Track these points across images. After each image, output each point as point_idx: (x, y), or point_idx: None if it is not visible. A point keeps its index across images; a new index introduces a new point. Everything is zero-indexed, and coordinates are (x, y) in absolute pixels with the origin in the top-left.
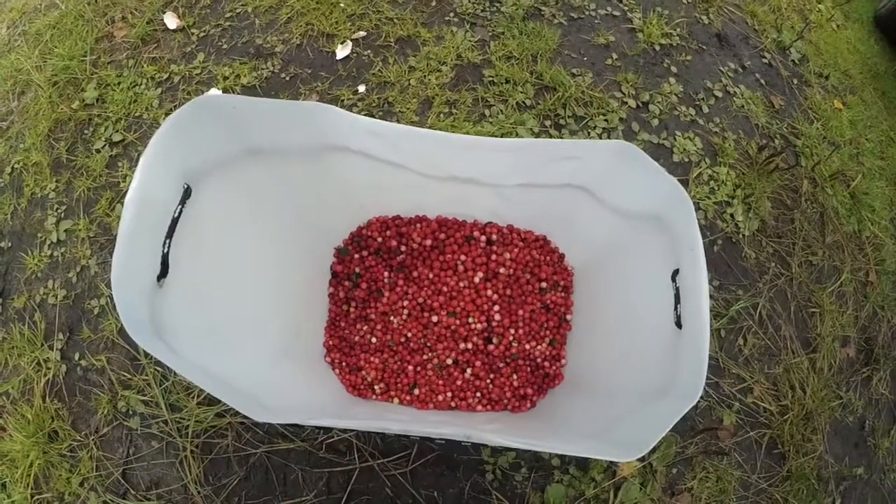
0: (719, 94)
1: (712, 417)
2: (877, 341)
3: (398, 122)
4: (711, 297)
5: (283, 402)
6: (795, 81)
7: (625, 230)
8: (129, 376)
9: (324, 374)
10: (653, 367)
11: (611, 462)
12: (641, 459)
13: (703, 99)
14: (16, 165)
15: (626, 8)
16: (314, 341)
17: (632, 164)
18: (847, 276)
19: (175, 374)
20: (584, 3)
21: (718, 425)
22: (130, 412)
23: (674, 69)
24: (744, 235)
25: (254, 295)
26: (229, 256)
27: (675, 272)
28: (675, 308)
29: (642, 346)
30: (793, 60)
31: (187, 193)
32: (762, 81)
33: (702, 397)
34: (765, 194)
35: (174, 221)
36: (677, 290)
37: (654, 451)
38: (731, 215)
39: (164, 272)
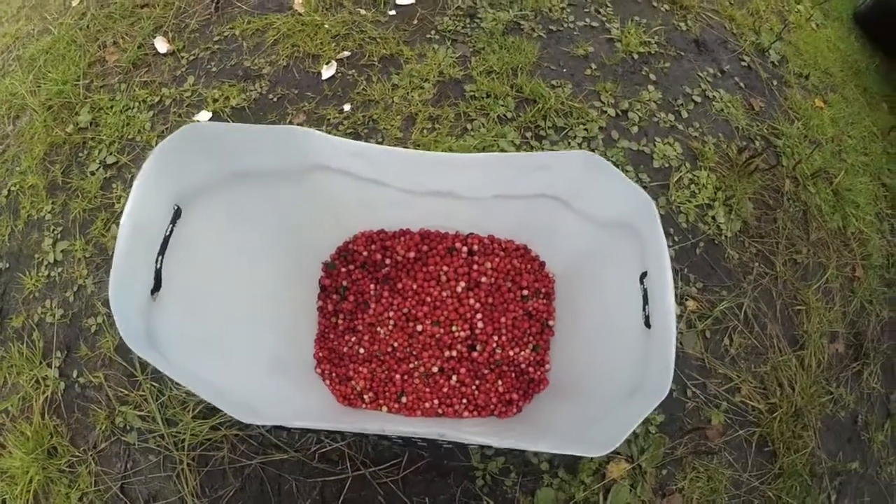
0: (698, 99)
1: (700, 418)
2: (866, 336)
3: (382, 139)
4: (695, 298)
5: (276, 412)
6: (775, 83)
7: (598, 237)
8: (126, 392)
9: (315, 384)
10: (627, 367)
11: (600, 464)
12: (630, 461)
13: (682, 104)
14: (12, 188)
15: (604, 18)
16: (305, 353)
17: (598, 173)
18: (833, 272)
19: (171, 388)
20: (562, 15)
21: (706, 425)
22: (128, 427)
23: (652, 76)
24: (726, 237)
25: (245, 308)
26: (220, 272)
27: (644, 275)
28: (644, 309)
29: (617, 347)
30: (772, 62)
31: (177, 214)
32: (741, 84)
33: (689, 398)
34: (746, 195)
35: (166, 240)
36: (645, 291)
37: (642, 452)
38: (713, 217)
39: (157, 286)
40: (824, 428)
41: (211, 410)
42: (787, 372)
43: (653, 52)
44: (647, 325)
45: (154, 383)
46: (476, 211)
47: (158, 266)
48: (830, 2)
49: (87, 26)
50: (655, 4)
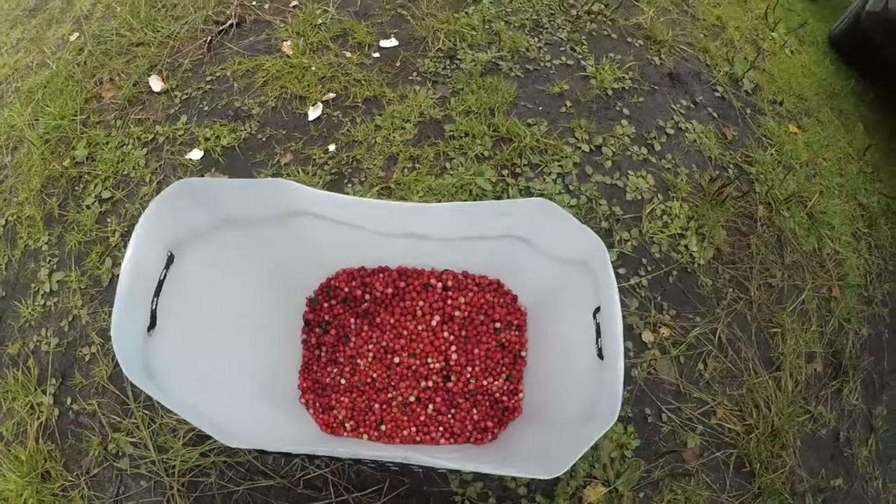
0: (671, 132)
1: (676, 441)
2: (844, 354)
3: (366, 178)
4: (668, 326)
5: (261, 438)
6: (748, 111)
7: (559, 273)
8: (118, 419)
9: (300, 413)
10: (582, 395)
11: (577, 488)
12: (607, 485)
13: (654, 137)
14: (9, 218)
15: (579, 56)
16: (290, 384)
17: (553, 218)
18: (809, 293)
19: (162, 416)
20: (539, 54)
21: (682, 448)
22: (120, 453)
23: (626, 111)
24: (699, 264)
25: (234, 342)
26: (210, 310)
27: (597, 309)
28: (597, 341)
29: (576, 376)
30: (745, 91)
31: (171, 260)
32: (714, 114)
33: (664, 422)
34: (719, 223)
35: (160, 283)
36: (598, 325)
37: (618, 475)
38: (686, 246)
39: (152, 324)
40: (804, 446)
41: (200, 438)
42: (763, 393)
43: (626, 88)
44: (600, 356)
45: (146, 411)
46: (449, 250)
47: (154, 307)
48: (805, 27)
49: (85, 62)
50: (630, 40)
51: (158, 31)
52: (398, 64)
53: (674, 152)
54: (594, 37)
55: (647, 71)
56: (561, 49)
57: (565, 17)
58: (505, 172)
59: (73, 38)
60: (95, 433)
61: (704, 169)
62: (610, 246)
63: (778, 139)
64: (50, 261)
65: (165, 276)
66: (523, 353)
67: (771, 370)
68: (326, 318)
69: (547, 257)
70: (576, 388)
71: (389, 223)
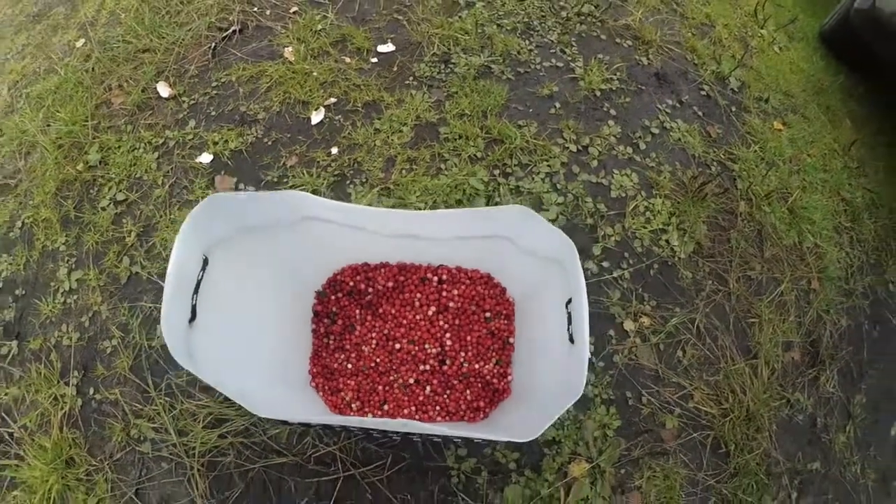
0: (656, 131)
1: (655, 422)
2: (822, 343)
3: (366, 179)
4: (649, 315)
5: (280, 412)
6: (734, 109)
7: (540, 269)
8: (140, 406)
9: (311, 395)
10: (557, 374)
11: (562, 464)
12: (590, 461)
13: (640, 137)
14: (26, 220)
15: (569, 58)
16: (302, 369)
17: (531, 222)
18: (788, 285)
19: (182, 403)
20: (529, 57)
21: (660, 428)
22: (142, 438)
23: (613, 112)
24: (679, 258)
25: (255, 331)
26: (237, 304)
27: (569, 301)
28: (569, 328)
29: (555, 358)
30: (731, 89)
31: (206, 263)
32: (700, 113)
33: (644, 405)
34: (700, 219)
35: (198, 283)
36: (569, 314)
37: (601, 453)
38: (667, 241)
39: (192, 317)
40: (781, 431)
41: (218, 421)
42: (739, 379)
43: (614, 89)
44: (571, 340)
45: (167, 398)
46: (443, 248)
47: (194, 302)
48: (796, 23)
49: (93, 69)
50: (618, 41)
51: (164, 38)
52: (395, 69)
53: (658, 151)
54: (583, 38)
55: (634, 71)
56: (551, 51)
57: (555, 20)
58: (496, 172)
59: (79, 44)
60: (118, 420)
61: (688, 166)
62: (594, 241)
63: (762, 136)
64: (68, 260)
65: (202, 276)
66: (511, 340)
67: (748, 358)
68: (334, 309)
69: (529, 255)
70: (553, 369)
71: (389, 226)
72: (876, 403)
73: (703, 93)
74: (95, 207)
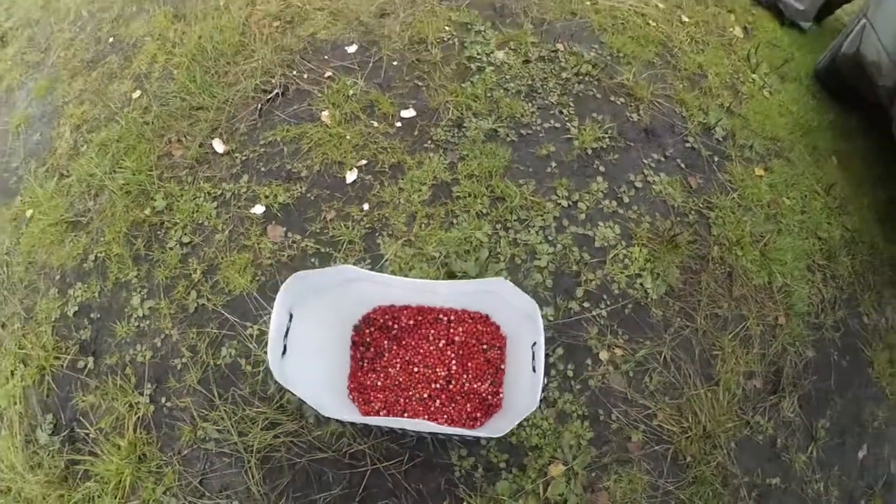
0: (640, 185)
1: (622, 435)
2: (784, 374)
3: (392, 232)
4: (621, 347)
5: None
6: (716, 158)
7: (519, 316)
8: (206, 412)
9: (349, 406)
10: (525, 393)
11: (543, 466)
12: (566, 465)
13: (624, 191)
14: (98, 254)
15: (566, 118)
16: (343, 385)
17: (507, 289)
18: (753, 321)
19: (243, 409)
20: (532, 119)
21: (627, 441)
22: (207, 438)
23: (602, 168)
24: (652, 299)
25: (316, 357)
26: (307, 341)
27: (534, 343)
28: (532, 362)
29: (524, 381)
30: (717, 139)
31: (291, 317)
32: (682, 165)
33: (613, 420)
34: (673, 264)
35: (287, 330)
36: (533, 352)
37: (574, 458)
38: (641, 284)
39: (284, 352)
40: (739, 449)
41: (273, 424)
42: (700, 403)
43: (605, 147)
44: (534, 370)
45: (231, 406)
46: (451, 297)
47: (285, 343)
48: (790, 63)
49: (152, 122)
50: (612, 98)
51: (215, 97)
52: (416, 132)
53: (640, 203)
54: (580, 98)
55: (624, 128)
56: (550, 112)
57: (556, 81)
58: (498, 226)
59: (135, 95)
60: (187, 423)
61: (666, 216)
62: (577, 284)
63: (741, 183)
64: (141, 290)
65: (289, 327)
66: (502, 366)
67: (710, 384)
68: (367, 340)
69: (511, 306)
70: (525, 389)
71: (410, 285)
72: (843, 428)
73: (688, 145)
74: (164, 247)
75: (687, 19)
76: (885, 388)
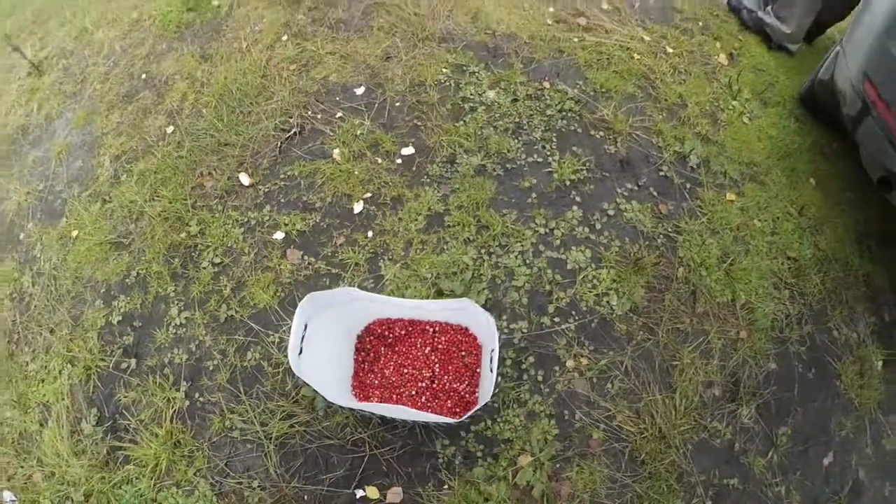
0: (612, 213)
1: (585, 433)
2: (742, 384)
3: (391, 257)
4: (586, 357)
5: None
6: (689, 185)
7: (487, 329)
8: (234, 406)
9: (353, 399)
10: (485, 389)
11: (513, 456)
12: (533, 456)
13: (597, 219)
14: (140, 271)
15: (547, 153)
16: (347, 383)
17: (472, 308)
18: (714, 335)
19: (265, 403)
20: (517, 154)
21: (588, 438)
22: (233, 427)
23: (578, 198)
24: (617, 315)
25: (326, 359)
26: (319, 345)
27: (492, 350)
28: (490, 365)
29: (487, 381)
30: (690, 167)
31: (306, 327)
32: (655, 193)
33: (577, 420)
34: (638, 284)
35: (303, 337)
36: (491, 357)
37: (541, 450)
38: (608, 301)
39: (300, 352)
40: (695, 450)
41: (289, 416)
42: (656, 407)
43: (581, 178)
44: (490, 371)
45: (255, 401)
46: (436, 311)
47: (301, 345)
48: (775, 87)
49: (186, 156)
50: (592, 132)
51: (240, 135)
52: (414, 168)
53: (611, 230)
54: (563, 133)
55: (602, 160)
56: (534, 147)
57: (541, 117)
58: (483, 251)
59: (168, 130)
60: (216, 415)
61: (635, 241)
62: (549, 302)
63: (711, 208)
64: (178, 303)
65: (304, 334)
66: (478, 370)
67: (668, 392)
68: (368, 346)
69: (481, 320)
70: (485, 386)
71: (403, 303)
72: (807, 436)
73: (662, 173)
74: (198, 266)
75: (671, 50)
76: (853, 400)
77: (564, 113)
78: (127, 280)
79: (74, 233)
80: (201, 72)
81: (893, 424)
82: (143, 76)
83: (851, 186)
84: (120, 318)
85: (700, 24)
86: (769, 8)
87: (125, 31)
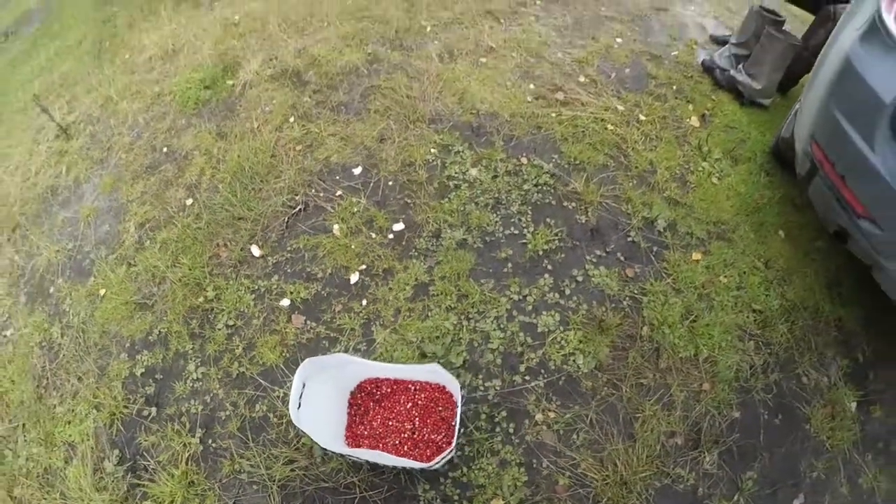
0: (581, 279)
1: (551, 480)
2: (704, 432)
3: (382, 323)
4: (553, 411)
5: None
6: (655, 249)
7: (455, 386)
8: (242, 451)
9: (345, 447)
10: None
11: (486, 499)
12: (504, 500)
13: (567, 285)
14: (162, 330)
15: (523, 226)
16: (342, 433)
17: (440, 370)
18: (677, 388)
19: (270, 449)
20: (495, 228)
21: (555, 484)
22: (241, 470)
23: (549, 267)
24: (583, 373)
25: (323, 412)
26: (316, 401)
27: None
28: (455, 418)
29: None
30: (658, 230)
31: (304, 385)
32: (622, 258)
33: (544, 468)
34: (603, 343)
35: (301, 394)
36: (456, 412)
37: (512, 493)
38: (574, 360)
39: (299, 406)
40: (658, 495)
41: (291, 461)
42: (619, 456)
43: (553, 248)
44: (453, 425)
45: (261, 447)
46: (415, 373)
47: (300, 401)
48: (747, 142)
49: (204, 227)
50: (565, 204)
51: (252, 210)
52: (404, 242)
53: (579, 294)
54: (538, 206)
55: (573, 229)
56: (511, 220)
57: (518, 192)
58: (462, 317)
59: (188, 202)
60: (227, 459)
61: (602, 304)
62: (521, 362)
63: (676, 269)
64: (195, 359)
65: (303, 392)
66: (453, 423)
67: (630, 442)
68: (359, 402)
69: (453, 381)
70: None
71: (388, 367)
72: (774, 480)
73: (630, 239)
74: (213, 327)
75: (644, 118)
76: (825, 442)
77: (540, 186)
78: (150, 337)
79: (102, 291)
80: (217, 149)
81: (870, 463)
82: (165, 149)
83: (821, 235)
84: (143, 370)
85: (674, 87)
86: (741, 66)
87: (148, 104)
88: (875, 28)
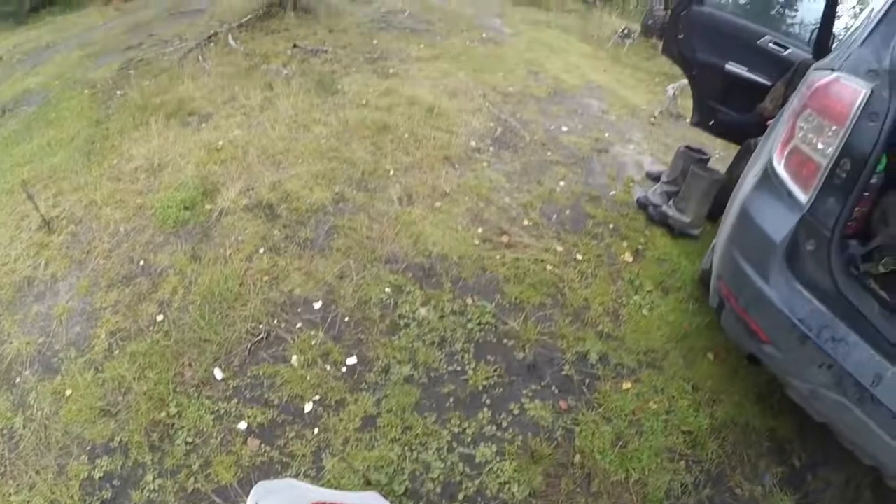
0: (517, 412)
1: None
2: None
3: (332, 451)
4: None
5: None
6: (588, 381)
7: None
8: None
9: None
10: None
11: None
12: None
13: (504, 418)
14: (123, 438)
15: (465, 362)
16: None
17: (381, 499)
18: None
19: None
20: (440, 364)
21: None
22: None
23: (488, 401)
24: (517, 500)
25: None
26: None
27: None
28: None
29: None
30: (591, 363)
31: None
32: (556, 391)
33: None
34: (537, 472)
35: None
36: None
37: None
38: (509, 488)
39: None
40: None
41: None
42: None
43: (492, 384)
44: None
45: None
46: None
47: None
48: (677, 272)
49: (172, 345)
50: (504, 341)
51: (218, 334)
52: (356, 376)
53: (515, 427)
54: (480, 343)
55: (511, 366)
56: (455, 357)
57: (463, 330)
58: (406, 448)
59: (159, 318)
60: None
61: (536, 435)
62: (459, 491)
63: (607, 398)
64: (153, 471)
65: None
66: None
67: None
68: None
69: None
70: None
71: (336, 493)
72: None
73: (563, 373)
74: (173, 442)
75: (581, 257)
76: None
77: (483, 325)
78: (111, 443)
79: (68, 392)
80: (191, 270)
81: None
82: (142, 262)
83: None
84: (101, 474)
85: (611, 226)
86: (671, 202)
87: (130, 214)
88: (767, 175)
